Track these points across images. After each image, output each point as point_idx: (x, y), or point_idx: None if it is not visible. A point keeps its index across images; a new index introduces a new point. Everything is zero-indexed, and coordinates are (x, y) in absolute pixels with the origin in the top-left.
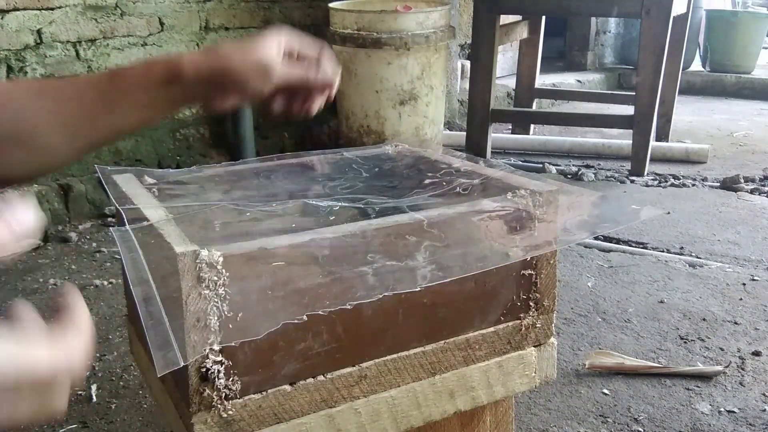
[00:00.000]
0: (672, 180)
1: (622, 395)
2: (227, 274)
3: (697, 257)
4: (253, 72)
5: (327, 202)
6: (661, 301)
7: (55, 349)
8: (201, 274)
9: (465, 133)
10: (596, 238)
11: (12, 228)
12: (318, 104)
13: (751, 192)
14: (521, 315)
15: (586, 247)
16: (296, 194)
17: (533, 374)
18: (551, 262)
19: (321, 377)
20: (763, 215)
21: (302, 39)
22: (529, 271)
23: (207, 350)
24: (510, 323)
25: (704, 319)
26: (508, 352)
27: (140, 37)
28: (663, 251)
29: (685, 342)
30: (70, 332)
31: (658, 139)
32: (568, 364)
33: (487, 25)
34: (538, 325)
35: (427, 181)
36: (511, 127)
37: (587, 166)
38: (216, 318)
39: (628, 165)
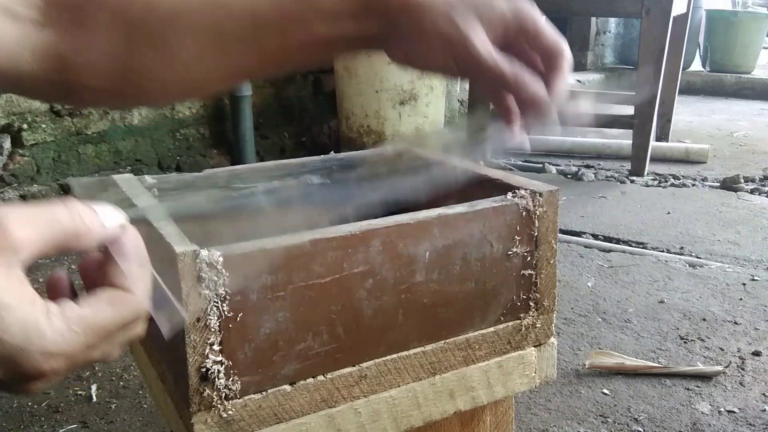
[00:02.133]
0: (672, 180)
1: (622, 395)
2: (227, 274)
3: (697, 257)
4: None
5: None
6: (661, 301)
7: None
8: (201, 274)
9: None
10: (596, 238)
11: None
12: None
13: (751, 192)
14: (521, 315)
15: (586, 247)
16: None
17: (533, 374)
18: (551, 262)
19: (321, 377)
20: (763, 215)
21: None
22: (529, 271)
23: (207, 350)
24: (510, 323)
25: (704, 319)
26: (508, 352)
27: None
28: (663, 251)
29: (685, 342)
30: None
31: (658, 139)
32: (568, 364)
33: None
34: (538, 325)
35: (426, 180)
36: None
37: (587, 166)
38: (216, 318)
39: (628, 165)
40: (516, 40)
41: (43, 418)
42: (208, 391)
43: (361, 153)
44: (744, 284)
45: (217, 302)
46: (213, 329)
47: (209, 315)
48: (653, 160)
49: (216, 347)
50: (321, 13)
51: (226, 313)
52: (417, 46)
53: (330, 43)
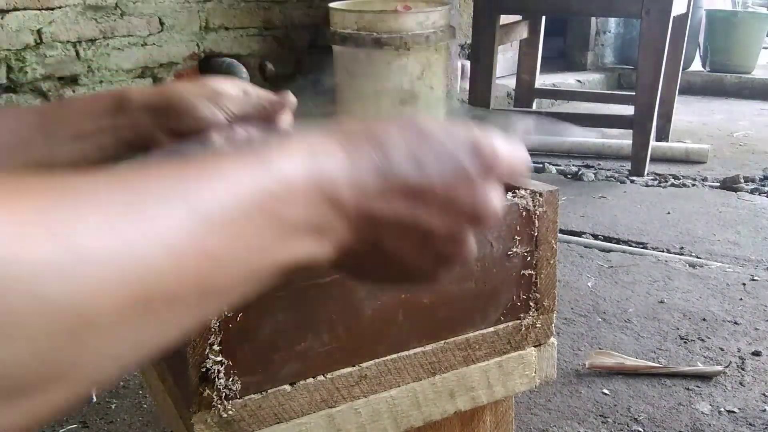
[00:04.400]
0: (672, 180)
1: (622, 395)
2: None
3: (697, 257)
4: (201, 97)
5: None
6: (661, 301)
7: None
8: None
9: None
10: (596, 238)
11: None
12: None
13: (751, 192)
14: (521, 315)
15: (586, 247)
16: None
17: (533, 374)
18: (551, 262)
19: (321, 377)
20: (763, 215)
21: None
22: (529, 271)
23: (207, 350)
24: (510, 323)
25: (704, 319)
26: (508, 352)
27: (140, 36)
28: (663, 251)
29: (685, 342)
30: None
31: (658, 139)
32: (568, 364)
33: (487, 25)
34: (538, 325)
35: None
36: None
37: (587, 166)
38: (216, 318)
39: (628, 165)
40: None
41: None
42: (208, 390)
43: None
44: (744, 284)
45: None
46: (213, 329)
47: None
48: (653, 160)
49: (216, 347)
50: (80, 114)
51: (226, 313)
52: None
53: (94, 132)
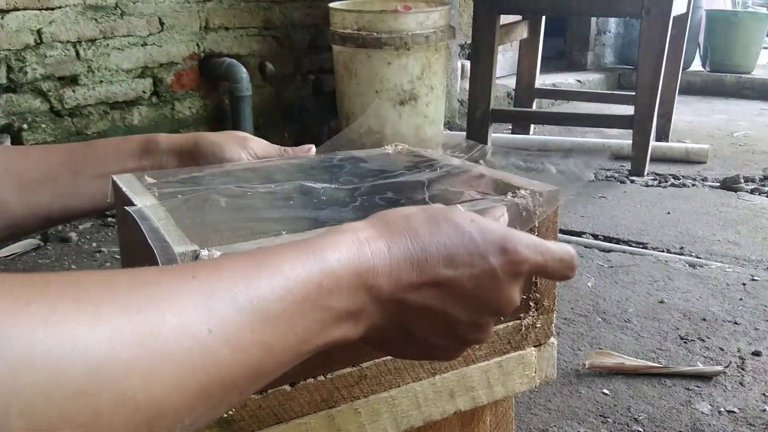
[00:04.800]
0: (672, 180)
1: (622, 395)
2: None
3: (697, 257)
4: (229, 141)
5: (322, 185)
6: (661, 301)
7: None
8: None
9: (465, 133)
10: (596, 238)
11: None
12: None
13: (751, 192)
14: (521, 315)
15: (586, 247)
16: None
17: (533, 374)
18: None
19: (321, 377)
20: (763, 215)
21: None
22: None
23: None
24: (510, 323)
25: (704, 319)
26: (508, 352)
27: (140, 37)
28: (663, 251)
29: (685, 342)
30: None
31: (658, 139)
32: (568, 364)
33: (487, 25)
34: (538, 325)
35: (426, 180)
36: (511, 127)
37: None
38: None
39: (628, 165)
40: None
41: None
42: None
43: (361, 152)
44: (744, 284)
45: None
46: None
47: None
48: (653, 160)
49: None
50: (108, 153)
51: None
52: None
53: (117, 173)
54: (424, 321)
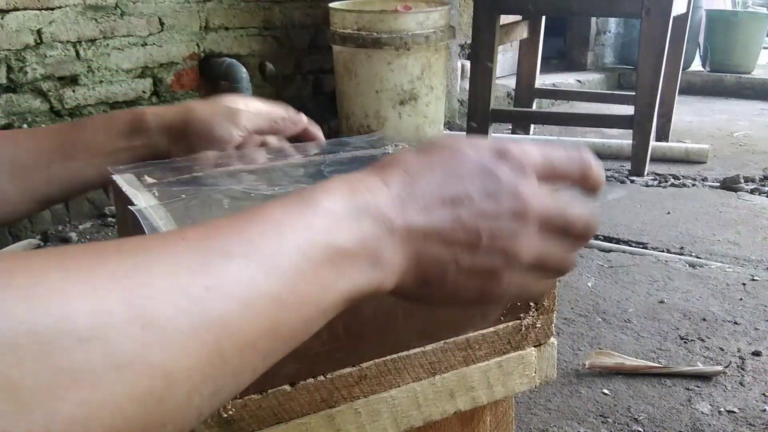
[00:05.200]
0: (672, 180)
1: (622, 395)
2: None
3: (697, 257)
4: (217, 117)
5: None
6: (661, 301)
7: None
8: None
9: (465, 133)
10: (596, 238)
11: None
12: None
13: (751, 192)
14: (521, 315)
15: (586, 247)
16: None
17: (533, 374)
18: None
19: (321, 377)
20: (763, 215)
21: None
22: None
23: None
24: (510, 323)
25: (704, 319)
26: (508, 352)
27: (140, 37)
28: (663, 251)
29: (685, 342)
30: None
31: (658, 139)
32: (568, 364)
33: (487, 25)
34: (538, 325)
35: None
36: (511, 127)
37: None
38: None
39: (628, 165)
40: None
41: None
42: None
43: (364, 153)
44: (744, 284)
45: None
46: None
47: None
48: (653, 160)
49: None
50: (97, 135)
51: None
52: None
53: (109, 155)
54: (445, 243)
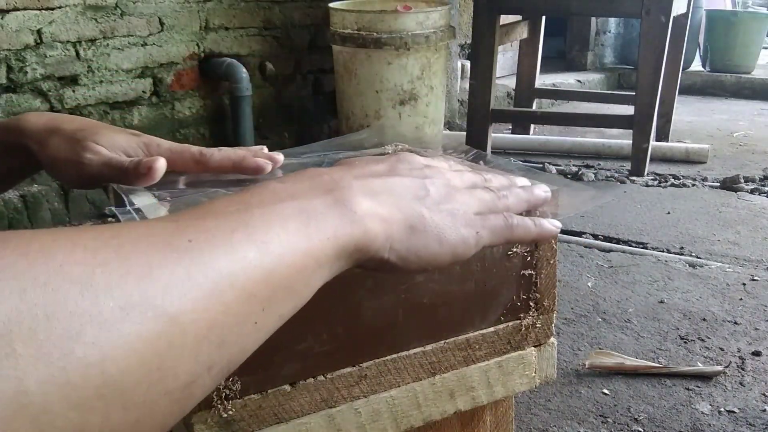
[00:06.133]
0: (672, 180)
1: (622, 395)
2: None
3: (697, 257)
4: (74, 149)
5: None
6: (661, 301)
7: None
8: None
9: (465, 133)
10: (596, 238)
11: None
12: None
13: (751, 192)
14: (521, 315)
15: (586, 247)
16: None
17: (533, 374)
18: (551, 262)
19: (321, 377)
20: (763, 215)
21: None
22: (529, 271)
23: None
24: (510, 323)
25: (704, 319)
26: (508, 352)
27: (140, 37)
28: (663, 251)
29: (685, 342)
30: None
31: (658, 139)
32: (568, 364)
33: (487, 25)
34: (538, 325)
35: None
36: (511, 127)
37: (587, 166)
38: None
39: (628, 165)
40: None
41: None
42: None
43: (362, 153)
44: (744, 284)
45: None
46: None
47: None
48: (653, 160)
49: None
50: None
51: None
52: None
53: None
54: (409, 197)
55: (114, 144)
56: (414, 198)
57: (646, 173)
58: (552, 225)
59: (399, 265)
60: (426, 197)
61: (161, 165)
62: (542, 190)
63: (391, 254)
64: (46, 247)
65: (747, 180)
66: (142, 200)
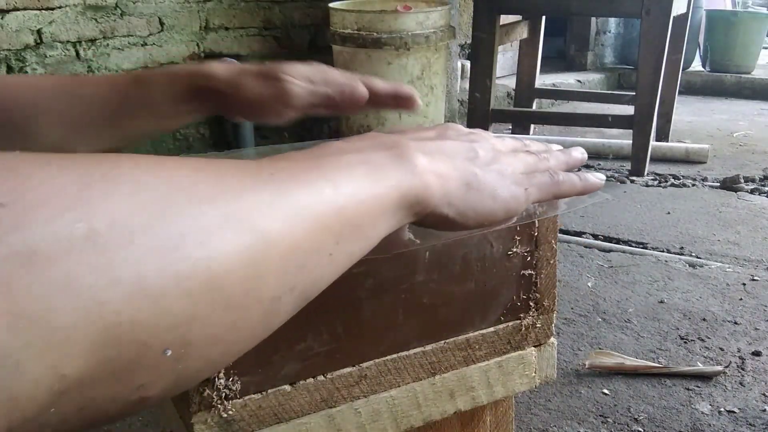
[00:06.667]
0: (672, 180)
1: (622, 395)
2: None
3: (697, 257)
4: (238, 78)
5: None
6: (661, 301)
7: None
8: None
9: None
10: (596, 238)
11: None
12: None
13: (751, 192)
14: (521, 315)
15: (586, 247)
16: None
17: (533, 374)
18: (551, 262)
19: (321, 377)
20: (763, 215)
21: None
22: (529, 271)
23: None
24: (510, 323)
25: (704, 319)
26: (508, 352)
27: (140, 37)
28: (663, 251)
29: (685, 342)
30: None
31: (658, 139)
32: (568, 364)
33: (487, 25)
34: (538, 325)
35: None
36: (511, 127)
37: (587, 166)
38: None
39: (628, 165)
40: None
41: None
42: (208, 390)
43: None
44: (744, 284)
45: None
46: None
47: None
48: (653, 160)
49: None
50: (160, 97)
51: None
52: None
53: (172, 117)
54: (461, 158)
55: (300, 74)
56: (466, 158)
57: (646, 173)
58: (596, 178)
59: (458, 220)
60: (476, 158)
61: (364, 92)
62: (579, 152)
63: (450, 209)
64: (155, 162)
65: (747, 180)
66: None
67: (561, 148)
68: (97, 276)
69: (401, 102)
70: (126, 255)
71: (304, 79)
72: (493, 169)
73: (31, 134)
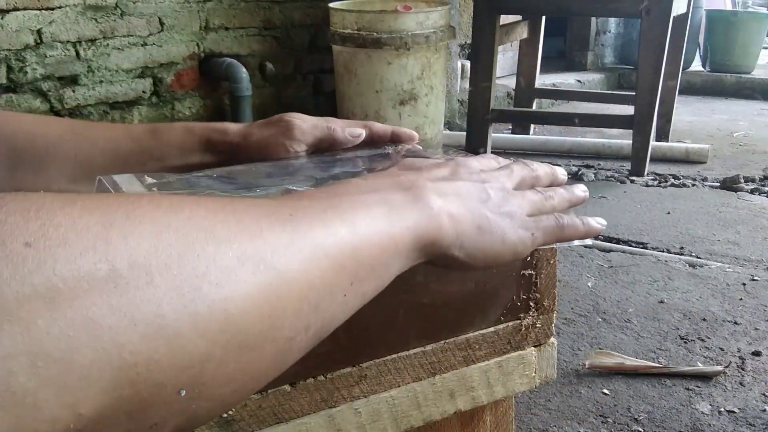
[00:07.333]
0: (672, 180)
1: (622, 395)
2: None
3: (697, 257)
4: (275, 140)
5: (308, 187)
6: (661, 301)
7: None
8: None
9: (465, 133)
10: (596, 238)
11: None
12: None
13: (751, 192)
14: (521, 315)
15: (586, 247)
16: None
17: (533, 374)
18: (551, 262)
19: (321, 377)
20: (763, 215)
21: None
22: (529, 271)
23: None
24: (510, 323)
25: (704, 319)
26: (508, 352)
27: (140, 37)
28: (663, 251)
29: (685, 342)
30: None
31: (658, 139)
32: (568, 364)
33: (487, 25)
34: (538, 325)
35: None
36: (511, 127)
37: (587, 166)
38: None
39: (628, 165)
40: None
41: None
42: None
43: (361, 152)
44: (744, 284)
45: None
46: None
47: None
48: (653, 160)
49: None
50: (172, 149)
51: None
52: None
53: (181, 167)
54: (474, 199)
55: (304, 117)
56: (478, 200)
57: (646, 173)
58: (597, 223)
59: (467, 262)
60: (488, 200)
61: (364, 137)
62: (581, 190)
63: (460, 252)
64: (175, 203)
65: (747, 180)
66: (132, 189)
67: (565, 173)
68: (117, 317)
69: (401, 141)
70: (145, 295)
71: (308, 120)
72: (503, 212)
73: (42, 173)
